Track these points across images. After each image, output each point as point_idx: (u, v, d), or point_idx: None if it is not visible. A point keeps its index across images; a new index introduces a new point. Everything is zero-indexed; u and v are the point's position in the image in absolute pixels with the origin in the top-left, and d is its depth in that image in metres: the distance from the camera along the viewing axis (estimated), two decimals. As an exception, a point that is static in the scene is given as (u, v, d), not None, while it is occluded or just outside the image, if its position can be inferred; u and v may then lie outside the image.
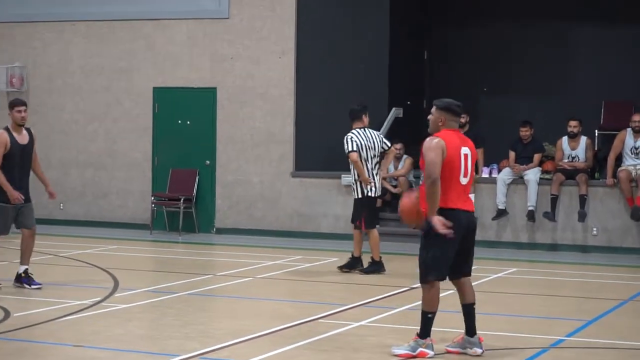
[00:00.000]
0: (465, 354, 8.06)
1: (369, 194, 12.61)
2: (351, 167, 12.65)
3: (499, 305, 10.54)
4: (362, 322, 9.42)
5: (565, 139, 15.77)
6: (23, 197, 10.87)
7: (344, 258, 13.17)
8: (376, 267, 12.72)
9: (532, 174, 15.64)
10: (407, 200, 8.16)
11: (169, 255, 15.37)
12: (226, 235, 17.19)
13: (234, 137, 17.41)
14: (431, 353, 7.94)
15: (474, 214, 8.11)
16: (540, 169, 15.82)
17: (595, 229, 15.45)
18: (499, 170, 16.01)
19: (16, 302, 10.32)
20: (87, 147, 18.31)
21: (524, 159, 15.87)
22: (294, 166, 17.15)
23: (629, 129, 15.37)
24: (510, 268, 13.61)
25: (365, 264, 12.82)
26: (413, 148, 17.28)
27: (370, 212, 12.72)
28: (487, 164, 16.00)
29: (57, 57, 18.48)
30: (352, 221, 12.98)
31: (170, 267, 13.80)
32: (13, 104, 11.12)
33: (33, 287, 11.07)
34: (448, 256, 7.88)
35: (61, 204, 18.27)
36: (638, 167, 15.18)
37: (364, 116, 12.77)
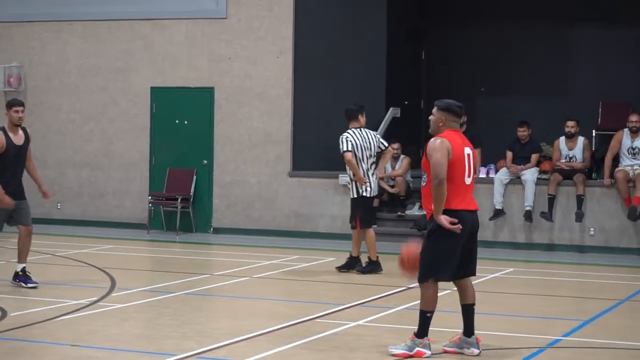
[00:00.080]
0: (462, 354, 8.06)
1: (364, 193, 12.61)
2: (347, 166, 12.66)
3: (496, 305, 10.54)
4: (359, 322, 9.42)
5: (562, 139, 15.79)
6: (14, 202, 10.86)
7: (341, 258, 13.17)
8: (373, 266, 12.73)
9: (530, 174, 15.65)
10: (408, 250, 8.16)
11: (166, 255, 15.37)
12: (223, 235, 17.19)
13: (232, 137, 17.41)
14: (428, 353, 7.94)
15: (477, 213, 8.11)
16: (538, 169, 15.83)
17: (592, 229, 15.46)
18: (497, 170, 16.03)
19: (13, 301, 10.31)
20: (83, 147, 18.30)
21: (522, 159, 15.88)
22: (292, 166, 17.15)
23: (626, 130, 15.39)
24: (508, 268, 13.61)
25: (363, 264, 12.82)
26: (410, 148, 17.33)
27: (365, 212, 12.71)
28: (484, 164, 16.00)
29: (54, 56, 18.47)
30: (350, 221, 13.00)
31: (167, 267, 13.79)
32: (11, 104, 11.11)
33: (29, 285, 11.07)
34: (451, 257, 7.88)
35: (58, 204, 18.26)
36: (635, 167, 15.19)
37: (360, 116, 12.77)
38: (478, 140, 15.01)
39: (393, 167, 16.52)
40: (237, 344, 8.37)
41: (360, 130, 12.69)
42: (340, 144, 12.57)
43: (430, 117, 8.10)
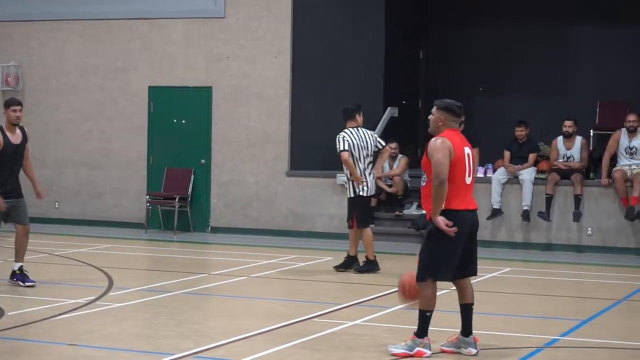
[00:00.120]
0: (460, 353, 8.06)
1: (361, 193, 12.61)
2: (344, 166, 12.66)
3: (493, 304, 10.54)
4: (357, 321, 9.42)
5: (560, 138, 15.80)
6: (5, 206, 10.86)
7: (339, 257, 13.18)
8: (371, 266, 12.73)
9: (527, 174, 15.65)
10: (410, 278, 8.16)
11: (164, 254, 15.37)
12: (221, 234, 17.19)
13: (230, 136, 17.41)
14: (428, 352, 7.93)
15: (477, 212, 8.11)
16: (535, 168, 15.84)
17: (590, 228, 15.47)
18: (494, 170, 16.03)
19: (10, 300, 10.31)
20: (82, 146, 18.30)
21: (519, 159, 15.89)
22: (289, 166, 17.15)
23: (623, 129, 15.39)
24: (505, 268, 13.62)
25: (361, 264, 12.82)
26: (408, 148, 17.36)
27: (362, 212, 12.71)
28: (482, 163, 16.01)
29: (52, 56, 18.46)
30: (347, 220, 13.01)
31: (165, 266, 13.79)
32: (9, 103, 11.11)
33: (27, 284, 11.07)
34: (451, 257, 7.88)
35: (56, 203, 18.26)
36: (633, 167, 15.20)
37: (357, 115, 12.77)
38: (476, 140, 15.01)
39: (391, 167, 16.53)
40: (234, 343, 8.37)
41: (358, 129, 12.69)
42: (337, 143, 12.57)
43: (430, 117, 8.10)
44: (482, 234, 15.61)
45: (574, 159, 15.69)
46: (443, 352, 8.09)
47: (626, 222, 15.19)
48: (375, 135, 12.97)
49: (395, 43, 17.70)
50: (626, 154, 15.31)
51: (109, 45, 18.10)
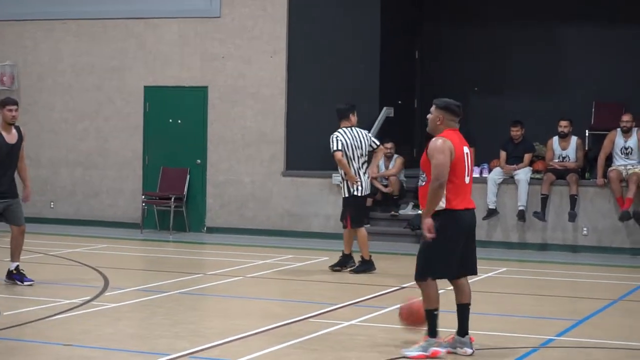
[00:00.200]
0: (455, 353, 8.06)
1: (355, 193, 12.61)
2: (338, 166, 12.66)
3: (489, 304, 10.54)
4: (353, 322, 9.42)
5: (555, 139, 15.81)
6: (2, 206, 10.85)
7: (335, 257, 13.17)
8: (366, 266, 12.72)
9: (523, 174, 15.66)
10: (410, 308, 8.22)
11: (160, 254, 15.36)
12: (217, 234, 17.18)
13: (225, 136, 17.40)
14: (443, 351, 7.91)
15: (474, 211, 8.12)
16: (531, 168, 15.84)
17: (585, 228, 15.48)
18: (490, 170, 16.04)
19: (5, 300, 10.29)
20: (77, 146, 18.28)
21: (515, 159, 15.90)
22: (285, 166, 17.14)
23: (619, 129, 15.41)
24: (501, 268, 13.62)
25: (356, 263, 12.82)
26: (404, 147, 17.35)
27: (356, 211, 12.70)
28: (477, 163, 15.95)
29: (47, 55, 18.44)
30: (340, 219, 13.01)
31: (160, 266, 13.78)
32: (4, 103, 11.10)
33: (26, 283, 11.07)
34: (450, 256, 7.88)
35: (51, 203, 18.25)
36: (628, 167, 15.21)
37: (351, 115, 12.76)
38: (472, 140, 14.99)
39: (387, 167, 16.53)
40: (230, 343, 8.37)
41: (351, 129, 12.69)
42: (331, 143, 12.57)
43: (429, 116, 8.08)
44: (478, 234, 15.43)
45: (569, 159, 15.70)
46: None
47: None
48: (370, 135, 12.97)
49: (391, 43, 17.69)
50: (621, 154, 15.32)
51: (104, 44, 18.08)
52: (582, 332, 9.26)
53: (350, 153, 12.54)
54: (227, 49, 17.39)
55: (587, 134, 16.67)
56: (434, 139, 7.91)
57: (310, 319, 9.51)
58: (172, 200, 17.20)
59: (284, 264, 13.68)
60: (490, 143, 16.18)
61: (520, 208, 15.55)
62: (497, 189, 15.74)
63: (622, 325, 9.76)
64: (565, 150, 15.73)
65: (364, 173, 12.67)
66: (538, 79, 18.28)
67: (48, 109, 18.44)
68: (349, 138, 12.57)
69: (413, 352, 7.90)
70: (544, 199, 15.48)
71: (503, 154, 15.96)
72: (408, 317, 8.29)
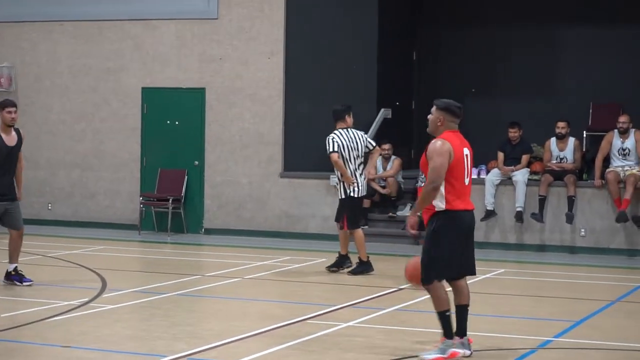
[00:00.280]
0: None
1: (352, 194, 12.61)
2: (335, 167, 12.66)
3: (487, 306, 10.54)
4: (351, 323, 9.42)
5: (553, 140, 15.82)
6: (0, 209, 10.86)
7: (333, 259, 13.17)
8: (364, 267, 12.72)
9: (521, 175, 15.67)
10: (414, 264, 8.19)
11: (157, 256, 15.35)
12: (215, 235, 17.18)
13: (223, 137, 17.40)
14: (461, 352, 7.90)
15: (473, 212, 8.13)
16: (529, 170, 15.85)
17: (583, 230, 15.49)
18: (488, 171, 16.05)
19: (3, 302, 10.30)
20: (74, 147, 18.28)
21: (513, 160, 15.91)
22: (283, 167, 17.15)
23: (616, 131, 15.41)
24: (499, 269, 13.63)
25: (353, 264, 12.81)
26: (402, 149, 17.35)
27: (352, 213, 12.70)
28: (475, 165, 16.01)
29: (45, 57, 18.44)
30: (336, 220, 13.00)
31: (158, 268, 13.78)
32: (3, 105, 11.09)
33: (25, 283, 11.08)
34: (451, 257, 7.87)
35: (49, 205, 18.24)
36: (626, 168, 15.22)
37: (347, 116, 12.77)
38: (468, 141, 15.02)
39: (384, 168, 16.54)
40: (228, 345, 8.37)
41: (348, 130, 12.69)
42: (327, 144, 12.58)
43: (429, 117, 8.07)
44: (476, 235, 15.34)
45: (567, 160, 15.71)
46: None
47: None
48: (366, 136, 12.97)
49: (389, 44, 17.69)
50: (619, 155, 15.33)
51: (101, 46, 18.08)
52: (580, 334, 9.27)
53: (346, 154, 12.55)
54: (225, 50, 17.39)
55: (584, 135, 16.67)
56: (433, 141, 7.90)
57: (308, 320, 9.51)
58: (170, 201, 17.20)
59: (282, 265, 13.68)
60: (488, 144, 16.18)
61: (518, 209, 15.56)
62: (495, 190, 15.76)
63: (620, 326, 9.77)
64: (562, 151, 15.75)
65: (361, 174, 12.67)
66: (535, 80, 18.28)
67: (46, 110, 18.43)
68: (345, 139, 12.58)
69: (431, 355, 7.85)
70: (542, 200, 15.49)
71: (501, 155, 15.97)
72: (412, 278, 8.21)
